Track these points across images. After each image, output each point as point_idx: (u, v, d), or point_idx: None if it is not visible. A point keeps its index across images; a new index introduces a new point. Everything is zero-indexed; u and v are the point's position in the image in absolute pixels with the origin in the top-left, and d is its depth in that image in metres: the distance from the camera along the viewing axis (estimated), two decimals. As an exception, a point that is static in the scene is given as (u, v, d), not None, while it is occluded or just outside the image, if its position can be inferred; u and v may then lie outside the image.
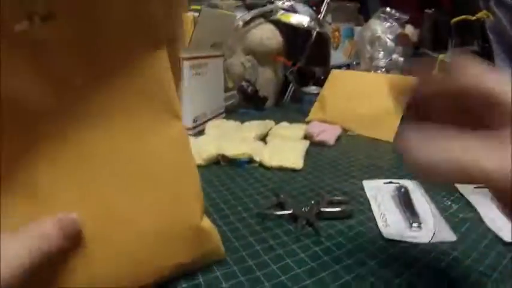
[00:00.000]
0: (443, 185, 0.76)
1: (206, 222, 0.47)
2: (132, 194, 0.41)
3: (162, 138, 0.43)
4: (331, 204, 0.65)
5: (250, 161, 0.89)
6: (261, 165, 0.88)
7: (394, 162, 0.92)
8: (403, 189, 0.71)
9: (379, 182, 0.78)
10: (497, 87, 0.35)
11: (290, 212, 0.62)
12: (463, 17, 1.11)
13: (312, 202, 0.65)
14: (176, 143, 0.45)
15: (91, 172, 0.39)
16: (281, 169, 0.85)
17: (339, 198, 0.69)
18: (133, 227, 0.41)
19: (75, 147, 0.39)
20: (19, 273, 0.31)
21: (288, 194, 0.71)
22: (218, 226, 0.58)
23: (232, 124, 1.19)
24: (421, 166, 0.33)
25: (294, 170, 0.85)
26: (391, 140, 1.09)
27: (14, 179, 0.36)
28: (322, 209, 0.62)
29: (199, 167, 0.86)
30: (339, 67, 1.70)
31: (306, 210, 0.63)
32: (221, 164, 0.89)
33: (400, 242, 0.56)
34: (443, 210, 0.66)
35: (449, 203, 0.69)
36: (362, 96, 1.25)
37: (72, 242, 0.37)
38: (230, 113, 1.43)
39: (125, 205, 0.41)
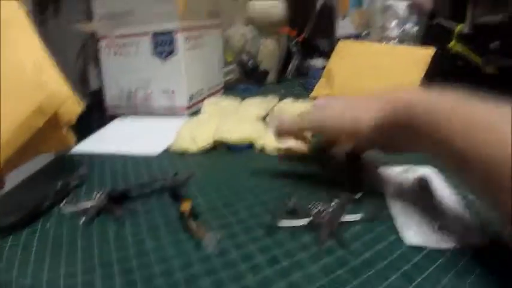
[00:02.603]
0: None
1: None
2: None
3: None
4: (351, 201, 0.56)
5: (252, 146, 0.80)
6: (261, 151, 0.79)
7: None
8: (423, 182, 0.62)
9: (396, 170, 0.68)
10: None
11: (309, 220, 0.52)
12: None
13: (333, 204, 0.54)
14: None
15: None
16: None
17: (358, 194, 0.58)
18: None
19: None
20: None
21: (299, 188, 0.61)
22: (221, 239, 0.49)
23: (231, 102, 1.10)
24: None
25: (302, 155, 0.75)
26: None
27: None
28: (344, 219, 0.52)
29: (194, 154, 0.78)
30: (347, 38, 1.61)
31: (326, 214, 0.52)
32: (218, 150, 0.80)
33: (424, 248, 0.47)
34: (468, 205, 0.55)
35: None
36: (373, 70, 1.16)
37: None
38: (229, 89, 1.35)
39: None
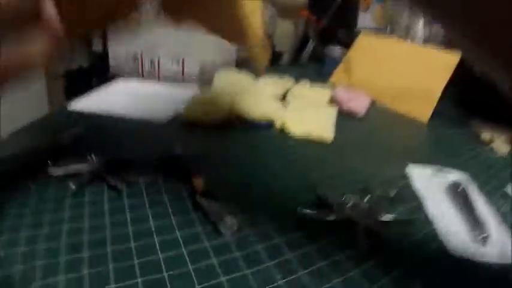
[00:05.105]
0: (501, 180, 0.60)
1: None
2: None
3: None
4: (383, 199, 0.49)
5: (272, 125, 0.73)
6: (281, 131, 0.71)
7: (436, 147, 0.78)
8: (460, 188, 0.55)
9: (427, 171, 0.62)
10: None
11: (343, 215, 0.45)
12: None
13: (366, 199, 0.48)
14: None
15: None
16: (306, 140, 0.68)
17: (391, 192, 0.52)
18: None
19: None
20: None
21: (325, 176, 0.54)
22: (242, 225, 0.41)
23: (244, 77, 1.01)
24: None
25: (321, 144, 0.68)
26: (425, 121, 0.92)
27: None
28: (384, 219, 0.45)
29: (205, 127, 0.70)
30: (368, 31, 1.54)
31: (362, 211, 0.45)
32: (232, 126, 0.72)
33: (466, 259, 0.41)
34: (504, 216, 0.50)
35: (509, 206, 0.53)
36: (395, 67, 1.11)
37: None
38: (241, 66, 1.27)
39: None
